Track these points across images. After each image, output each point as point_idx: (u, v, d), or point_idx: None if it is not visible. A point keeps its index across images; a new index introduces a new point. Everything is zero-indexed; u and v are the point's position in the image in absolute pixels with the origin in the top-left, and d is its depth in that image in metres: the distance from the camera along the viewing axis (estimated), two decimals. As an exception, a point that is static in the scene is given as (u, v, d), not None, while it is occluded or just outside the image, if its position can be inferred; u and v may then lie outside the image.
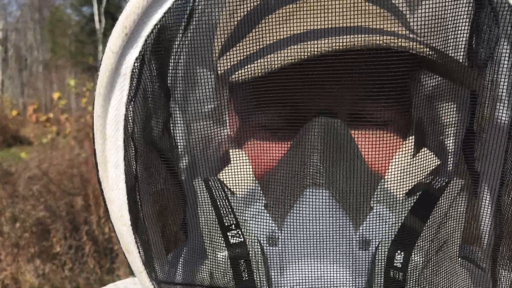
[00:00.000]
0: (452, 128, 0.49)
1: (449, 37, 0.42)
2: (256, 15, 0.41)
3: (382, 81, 0.40)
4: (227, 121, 0.51)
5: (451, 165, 0.50)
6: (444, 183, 0.46)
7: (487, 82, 0.44)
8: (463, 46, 0.43)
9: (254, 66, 0.40)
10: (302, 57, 0.38)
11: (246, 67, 0.41)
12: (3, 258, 4.25)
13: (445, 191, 0.45)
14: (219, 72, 0.44)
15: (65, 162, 5.09)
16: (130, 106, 0.44)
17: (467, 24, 0.41)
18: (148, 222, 0.49)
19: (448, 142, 0.50)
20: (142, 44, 0.42)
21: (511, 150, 0.43)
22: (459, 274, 0.48)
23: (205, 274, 0.48)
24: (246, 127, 0.49)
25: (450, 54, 0.42)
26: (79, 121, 7.75)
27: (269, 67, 0.39)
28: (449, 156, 0.51)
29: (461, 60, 0.43)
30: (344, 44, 0.38)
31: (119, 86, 0.43)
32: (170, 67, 0.48)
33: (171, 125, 0.50)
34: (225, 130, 0.51)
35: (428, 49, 0.40)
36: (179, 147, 0.51)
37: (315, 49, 0.38)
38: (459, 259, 0.49)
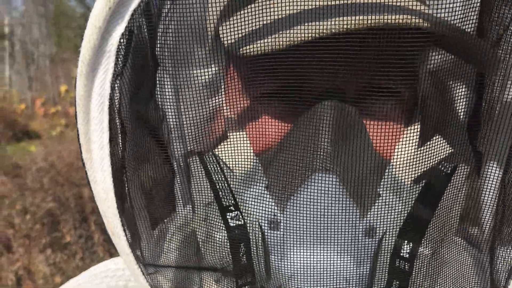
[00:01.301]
0: (460, 105, 0.46)
1: (463, 12, 0.39)
2: None
3: (393, 59, 0.38)
4: (224, 93, 0.47)
5: (458, 144, 0.47)
6: (450, 169, 0.44)
7: (497, 60, 0.41)
8: (473, 22, 0.40)
9: (263, 43, 0.37)
10: (317, 35, 0.36)
11: (255, 43, 0.38)
12: (15, 249, 4.31)
13: (453, 177, 0.44)
14: (224, 43, 0.40)
15: (73, 154, 5.12)
16: (116, 83, 0.41)
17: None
18: (135, 204, 0.47)
19: (456, 119, 0.46)
20: (129, 19, 0.38)
21: None
22: (460, 257, 0.47)
23: (195, 255, 0.46)
24: (247, 101, 0.45)
25: (463, 29, 0.40)
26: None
27: (280, 45, 0.37)
28: (457, 134, 0.47)
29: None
30: (360, 23, 0.36)
31: (104, 64, 0.39)
32: (159, 34, 0.43)
33: (158, 94, 0.46)
34: (221, 102, 0.47)
35: (442, 27, 0.38)
36: (170, 118, 0.47)
37: (332, 27, 0.36)
38: (460, 240, 0.48)
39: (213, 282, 0.48)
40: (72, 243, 4.20)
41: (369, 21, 0.36)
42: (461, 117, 0.46)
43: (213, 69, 0.45)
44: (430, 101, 0.45)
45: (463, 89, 0.45)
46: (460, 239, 0.48)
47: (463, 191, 0.45)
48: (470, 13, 0.39)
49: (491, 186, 0.45)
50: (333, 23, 0.36)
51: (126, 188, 0.46)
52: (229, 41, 0.40)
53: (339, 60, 0.39)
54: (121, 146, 0.44)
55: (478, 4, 0.39)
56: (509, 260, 0.42)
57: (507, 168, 0.43)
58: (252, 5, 0.38)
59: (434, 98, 0.44)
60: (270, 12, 0.37)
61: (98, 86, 0.40)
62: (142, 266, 0.47)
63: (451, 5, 0.38)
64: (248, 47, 0.38)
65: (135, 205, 0.47)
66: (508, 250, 0.42)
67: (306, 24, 0.36)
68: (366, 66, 0.40)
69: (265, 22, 0.38)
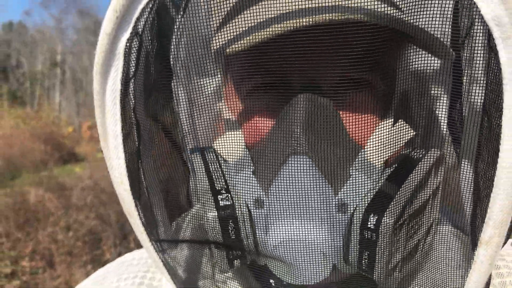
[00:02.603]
0: (441, 102, 0.51)
1: (432, 9, 0.43)
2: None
3: (360, 52, 0.42)
4: (224, 95, 0.54)
5: (439, 137, 0.52)
6: (422, 154, 0.49)
7: (463, 60, 0.45)
8: (447, 19, 0.44)
9: (242, 41, 0.44)
10: (279, 32, 0.42)
11: (236, 42, 0.44)
12: (58, 265, 4.44)
13: (422, 161, 0.49)
14: (213, 48, 0.47)
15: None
16: (130, 83, 0.47)
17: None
18: (150, 188, 0.53)
19: (437, 115, 0.51)
20: (133, 26, 0.45)
21: (484, 135, 0.44)
22: (440, 237, 0.51)
23: (198, 232, 0.52)
24: (239, 99, 0.52)
25: (429, 28, 0.43)
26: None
27: (254, 40, 0.43)
28: (438, 128, 0.52)
29: (445, 35, 0.45)
30: (317, 20, 0.41)
31: (115, 64, 0.46)
32: (172, 48, 0.51)
33: (174, 101, 0.54)
34: (222, 104, 0.54)
35: (386, 21, 0.42)
36: (183, 123, 0.54)
37: (289, 25, 0.42)
38: (451, 227, 0.52)
39: (210, 260, 0.55)
40: (111, 261, 4.28)
41: (319, 19, 0.41)
42: (440, 107, 0.50)
43: (218, 77, 0.53)
44: (404, 93, 0.49)
45: (442, 84, 0.49)
46: (446, 220, 0.52)
47: (437, 174, 0.50)
48: (442, 18, 0.42)
49: (467, 176, 0.48)
50: (291, 21, 0.41)
51: (142, 174, 0.52)
52: (218, 45, 0.46)
53: (311, 55, 0.45)
54: (136, 138, 0.51)
55: (450, 11, 0.43)
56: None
57: (476, 164, 0.46)
58: (238, 16, 0.45)
59: (409, 90, 0.49)
60: (250, 15, 0.44)
61: (110, 83, 0.47)
62: (155, 243, 0.53)
63: (424, 13, 0.42)
64: (231, 46, 0.44)
65: (150, 189, 0.53)
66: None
67: (276, 23, 0.42)
68: (336, 59, 0.44)
69: (243, 27, 0.44)
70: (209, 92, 0.54)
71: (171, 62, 0.52)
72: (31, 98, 30.42)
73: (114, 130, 0.48)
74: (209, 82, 0.53)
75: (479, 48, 0.42)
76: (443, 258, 0.51)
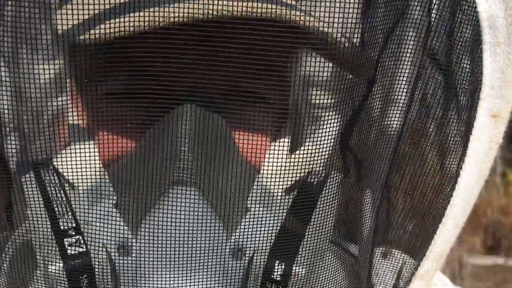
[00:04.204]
0: (332, 113, 0.42)
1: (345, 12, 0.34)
2: None
3: (260, 56, 0.33)
4: (68, 91, 0.39)
5: (330, 153, 0.43)
6: (322, 178, 0.41)
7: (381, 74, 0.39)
8: (358, 25, 0.37)
9: (105, 29, 0.32)
10: (167, 22, 0.32)
11: (94, 28, 0.32)
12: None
13: (325, 189, 0.40)
14: (58, 31, 0.33)
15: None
16: None
17: None
18: None
19: (327, 127, 0.41)
20: None
21: (398, 161, 0.40)
22: (334, 266, 0.44)
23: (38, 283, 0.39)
24: (93, 100, 0.39)
25: (344, 32, 0.35)
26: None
27: (125, 30, 0.32)
28: (329, 143, 0.42)
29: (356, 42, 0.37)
30: (219, 11, 0.31)
31: None
32: None
33: None
34: (65, 103, 0.39)
35: (317, 24, 0.34)
36: (4, 117, 0.39)
37: (185, 15, 0.31)
38: (332, 246, 0.45)
39: None
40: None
41: (231, 9, 0.32)
42: (337, 125, 0.42)
43: (58, 62, 0.36)
44: (301, 108, 0.41)
45: (340, 98, 0.41)
46: (334, 246, 0.45)
47: (338, 200, 0.42)
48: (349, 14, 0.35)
49: (367, 201, 0.43)
50: (190, 8, 0.32)
51: None
52: (66, 28, 0.33)
53: (197, 54, 0.35)
54: None
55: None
56: (397, 262, 0.42)
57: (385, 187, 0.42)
58: None
59: (305, 105, 0.41)
60: None
61: None
62: None
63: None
64: (85, 34, 0.33)
65: None
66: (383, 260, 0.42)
67: (157, 7, 0.32)
68: (229, 65, 0.35)
69: (106, 5, 0.32)
70: (45, 81, 0.37)
71: None
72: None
73: None
74: (45, 67, 0.35)
75: (407, 60, 0.38)
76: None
